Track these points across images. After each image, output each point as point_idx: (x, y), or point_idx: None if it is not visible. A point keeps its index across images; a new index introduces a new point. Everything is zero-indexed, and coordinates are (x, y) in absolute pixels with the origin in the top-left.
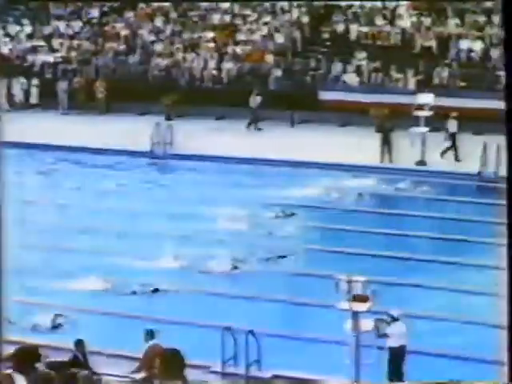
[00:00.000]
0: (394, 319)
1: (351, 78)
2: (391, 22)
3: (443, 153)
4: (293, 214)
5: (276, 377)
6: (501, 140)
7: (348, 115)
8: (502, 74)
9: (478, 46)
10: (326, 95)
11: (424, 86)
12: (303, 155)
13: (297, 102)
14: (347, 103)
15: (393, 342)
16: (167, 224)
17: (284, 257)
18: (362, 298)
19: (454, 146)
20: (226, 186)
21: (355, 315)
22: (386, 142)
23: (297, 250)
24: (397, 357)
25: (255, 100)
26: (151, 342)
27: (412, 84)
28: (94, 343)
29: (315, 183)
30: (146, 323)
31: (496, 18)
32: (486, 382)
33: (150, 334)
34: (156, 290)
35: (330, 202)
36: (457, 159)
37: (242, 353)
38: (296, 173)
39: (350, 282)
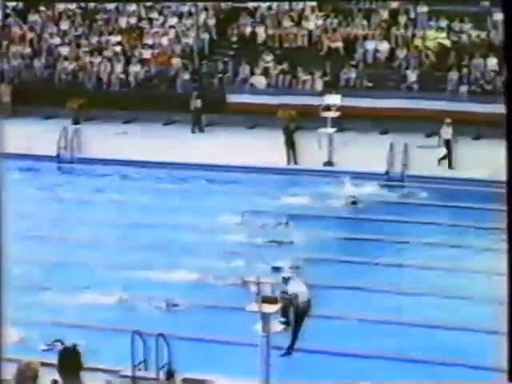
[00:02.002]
0: (288, 279)
1: (259, 81)
2: (298, 24)
3: (441, 159)
4: (287, 223)
5: (186, 380)
6: (408, 139)
7: (256, 117)
8: (408, 72)
9: (384, 46)
10: (233, 98)
11: (331, 86)
12: (213, 158)
13: (205, 104)
14: (255, 105)
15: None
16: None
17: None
18: (271, 300)
19: (449, 153)
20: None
21: (265, 317)
22: (291, 144)
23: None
24: (301, 314)
25: (195, 103)
26: None
27: (319, 85)
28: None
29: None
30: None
31: (402, 19)
32: (485, 382)
33: None
34: (175, 305)
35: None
36: (450, 166)
37: (153, 356)
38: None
39: (258, 283)
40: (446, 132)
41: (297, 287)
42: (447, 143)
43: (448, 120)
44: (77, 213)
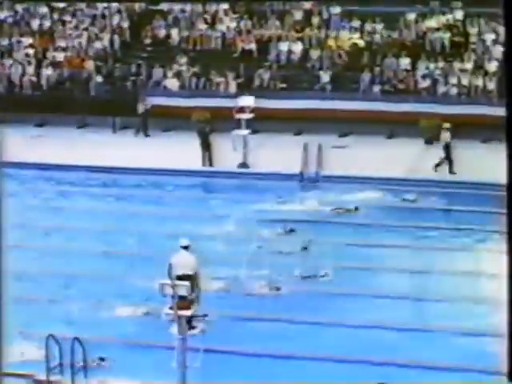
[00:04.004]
0: (184, 247)
1: (172, 83)
2: (212, 26)
3: (437, 165)
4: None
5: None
6: (322, 140)
7: (170, 120)
8: (321, 73)
9: (297, 47)
10: (147, 101)
11: (245, 88)
12: (124, 161)
13: (118, 107)
14: (169, 108)
15: (179, 270)
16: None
17: (323, 276)
18: (186, 303)
19: (448, 158)
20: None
21: (180, 319)
22: (206, 146)
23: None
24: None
25: (144, 107)
26: None
27: (233, 87)
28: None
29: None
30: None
31: (315, 20)
32: (485, 382)
33: None
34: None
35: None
36: (451, 171)
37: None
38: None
39: (174, 286)
40: (445, 137)
41: (183, 258)
42: (446, 148)
43: (447, 125)
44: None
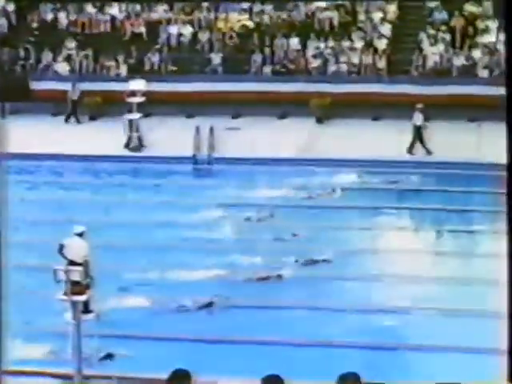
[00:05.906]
0: (78, 234)
1: (62, 67)
2: (101, 10)
3: (410, 148)
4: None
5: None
6: (214, 122)
7: (61, 105)
8: (212, 55)
9: (187, 30)
10: (37, 85)
11: (136, 72)
12: (16, 147)
13: (7, 92)
14: (59, 92)
15: (69, 255)
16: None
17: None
18: (80, 288)
19: (421, 139)
20: None
21: (74, 305)
22: (136, 129)
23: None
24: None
25: (75, 92)
26: None
27: (124, 70)
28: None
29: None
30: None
31: (205, 2)
32: (486, 382)
33: None
34: (210, 305)
35: None
36: (428, 152)
37: None
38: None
39: (67, 271)
40: (418, 117)
41: (76, 243)
42: (417, 129)
43: (419, 105)
44: None
